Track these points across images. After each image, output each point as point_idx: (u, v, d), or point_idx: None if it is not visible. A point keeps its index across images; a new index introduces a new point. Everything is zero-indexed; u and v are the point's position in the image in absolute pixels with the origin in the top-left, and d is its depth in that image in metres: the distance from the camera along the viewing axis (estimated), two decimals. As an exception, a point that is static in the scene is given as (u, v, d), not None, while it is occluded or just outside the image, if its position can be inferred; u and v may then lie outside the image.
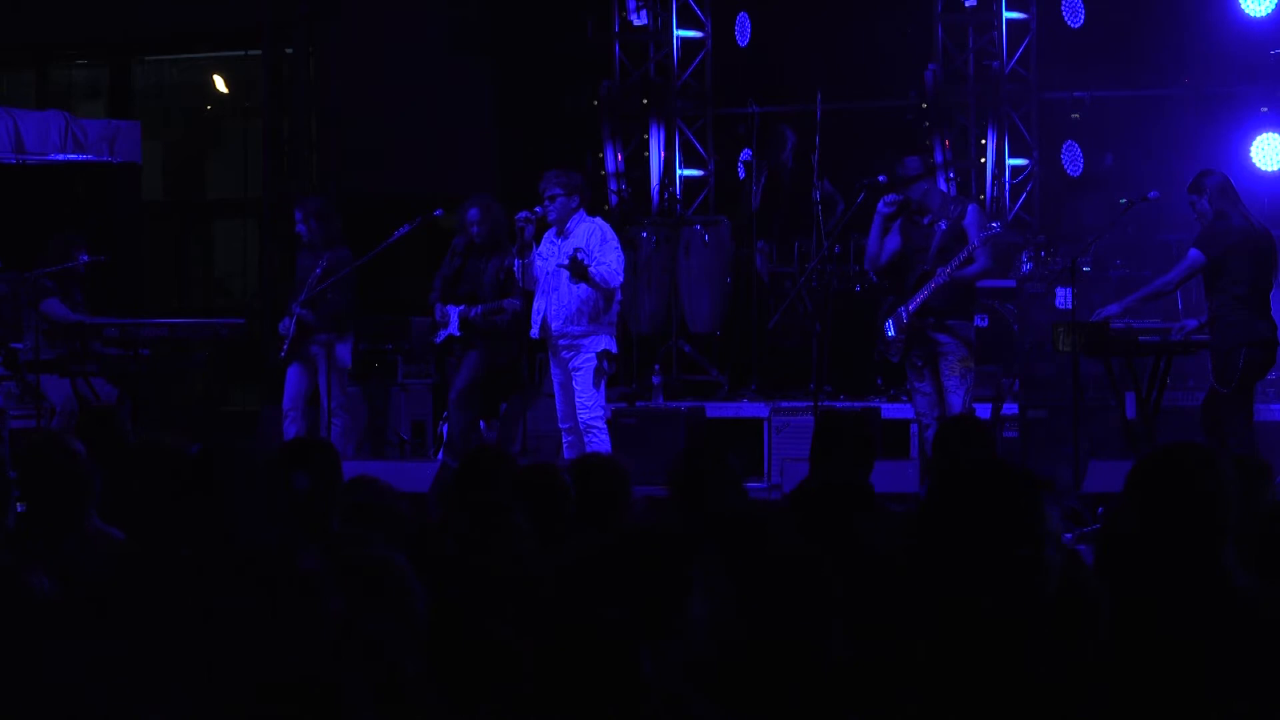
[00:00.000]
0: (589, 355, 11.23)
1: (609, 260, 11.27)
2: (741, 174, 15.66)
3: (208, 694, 3.55)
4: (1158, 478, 4.25)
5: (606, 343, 11.35)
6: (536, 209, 11.33)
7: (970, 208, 11.46)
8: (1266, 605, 3.97)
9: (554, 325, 11.31)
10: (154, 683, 3.71)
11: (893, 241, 11.50)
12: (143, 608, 4.05)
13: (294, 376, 12.36)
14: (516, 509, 5.19)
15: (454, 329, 12.10)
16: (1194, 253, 10.81)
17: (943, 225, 11.32)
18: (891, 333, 11.34)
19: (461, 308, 12.08)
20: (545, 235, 11.39)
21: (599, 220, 11.56)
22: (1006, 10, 14.87)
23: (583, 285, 11.19)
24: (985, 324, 13.04)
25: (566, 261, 11.17)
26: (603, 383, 11.39)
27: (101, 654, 3.82)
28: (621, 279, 11.44)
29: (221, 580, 3.95)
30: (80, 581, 4.38)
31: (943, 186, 11.60)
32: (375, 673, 3.59)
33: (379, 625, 3.84)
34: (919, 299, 11.20)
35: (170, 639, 3.85)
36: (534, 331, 11.45)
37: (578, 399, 11.23)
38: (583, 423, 11.24)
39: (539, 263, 11.34)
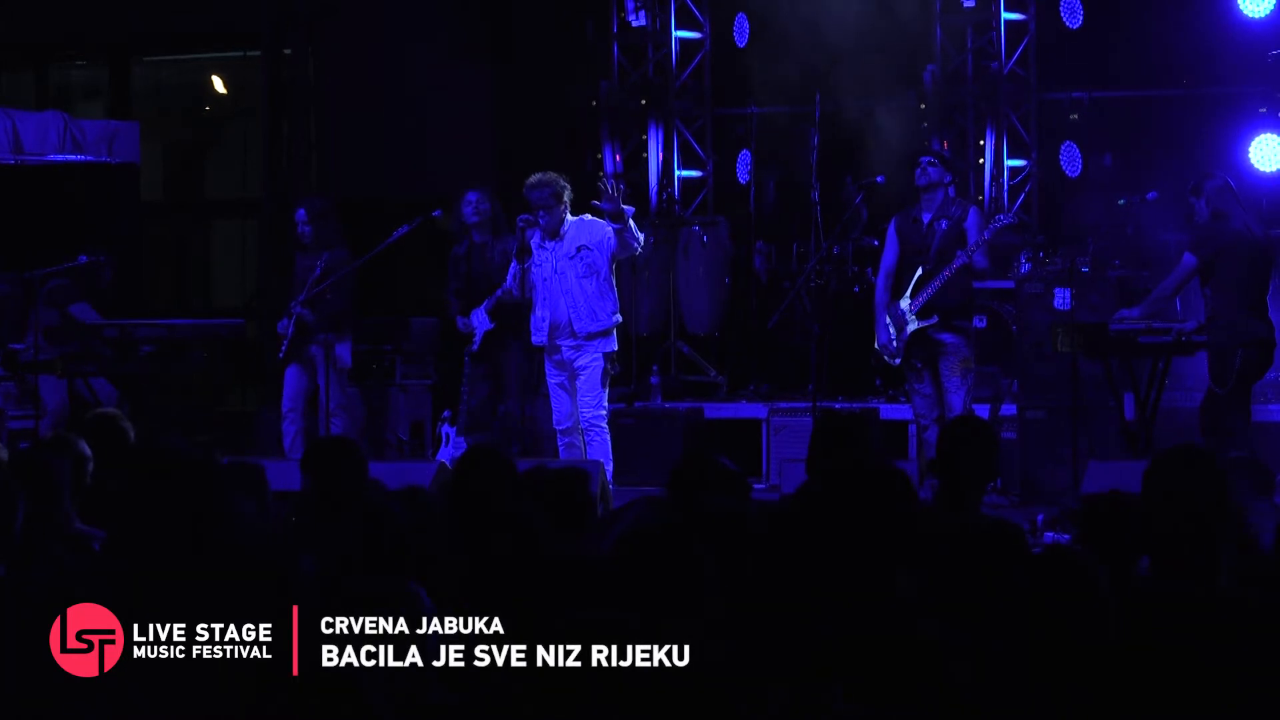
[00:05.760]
0: (595, 355, 11.16)
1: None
2: (744, 178, 15.61)
3: None
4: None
5: (610, 344, 11.31)
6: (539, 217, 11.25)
7: (971, 210, 11.48)
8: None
9: (564, 327, 11.15)
10: None
11: (890, 255, 11.53)
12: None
13: (292, 377, 12.35)
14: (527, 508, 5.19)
15: (487, 324, 12.04)
16: (1187, 256, 10.83)
17: (943, 225, 11.33)
18: (895, 341, 11.36)
19: (487, 302, 12.02)
20: (532, 242, 11.27)
21: (585, 216, 11.36)
22: (1005, 11, 14.86)
23: (590, 286, 11.09)
24: (984, 324, 13.05)
25: (571, 252, 11.07)
26: (607, 381, 11.36)
27: None
28: (640, 244, 11.27)
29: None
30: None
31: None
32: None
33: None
34: (926, 295, 11.23)
35: None
36: (539, 338, 11.24)
37: (583, 398, 11.15)
38: (586, 421, 11.18)
39: (535, 269, 11.24)
